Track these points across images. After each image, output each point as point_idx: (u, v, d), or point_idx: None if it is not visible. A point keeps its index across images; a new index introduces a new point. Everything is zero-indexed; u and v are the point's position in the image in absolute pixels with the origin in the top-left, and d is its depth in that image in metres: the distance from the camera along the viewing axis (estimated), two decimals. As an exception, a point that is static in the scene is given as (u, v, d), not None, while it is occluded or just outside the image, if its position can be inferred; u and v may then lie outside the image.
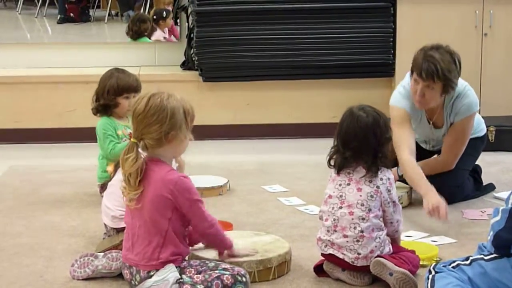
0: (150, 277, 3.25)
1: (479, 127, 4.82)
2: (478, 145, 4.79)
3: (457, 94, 4.51)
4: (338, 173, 3.49)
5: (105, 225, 3.89)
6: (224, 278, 3.25)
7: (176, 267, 3.27)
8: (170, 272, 3.23)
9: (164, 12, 7.19)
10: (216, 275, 3.26)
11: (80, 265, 3.52)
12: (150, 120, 3.24)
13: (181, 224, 3.33)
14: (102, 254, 3.54)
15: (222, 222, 3.92)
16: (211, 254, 3.50)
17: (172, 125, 3.26)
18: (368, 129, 3.42)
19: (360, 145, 3.42)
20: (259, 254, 3.52)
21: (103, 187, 4.40)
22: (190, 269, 3.31)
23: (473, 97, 4.56)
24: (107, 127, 4.60)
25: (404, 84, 4.59)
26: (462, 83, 4.55)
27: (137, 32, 7.19)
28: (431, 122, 4.65)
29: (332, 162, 3.50)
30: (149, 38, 7.14)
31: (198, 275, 3.27)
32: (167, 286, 3.19)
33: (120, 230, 3.76)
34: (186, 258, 3.40)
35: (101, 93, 4.62)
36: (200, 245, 3.54)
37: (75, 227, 4.26)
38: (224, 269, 3.30)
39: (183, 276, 3.26)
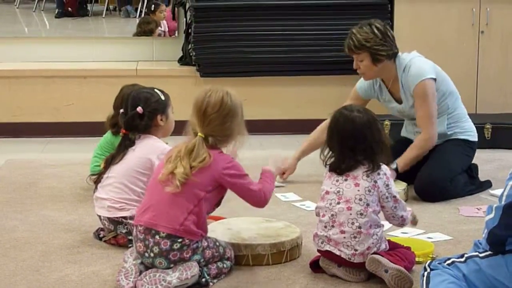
0: (173, 249, 3.25)
1: (470, 130, 4.85)
2: (466, 149, 4.82)
3: (403, 68, 4.65)
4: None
5: (100, 219, 3.89)
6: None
7: (196, 242, 3.31)
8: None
9: (153, 5, 7.20)
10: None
11: (149, 281, 3.24)
12: (224, 119, 3.37)
13: (212, 204, 3.41)
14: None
15: (216, 218, 3.92)
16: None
17: (240, 122, 3.42)
18: (368, 126, 3.41)
19: (368, 145, 3.40)
20: (272, 238, 3.61)
21: (96, 179, 4.26)
22: (208, 251, 3.37)
23: (419, 65, 4.65)
24: None
25: None
26: (408, 56, 4.68)
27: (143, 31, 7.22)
28: (393, 97, 4.80)
29: (333, 166, 3.48)
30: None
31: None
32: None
33: (115, 220, 3.78)
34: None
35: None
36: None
37: (71, 222, 4.26)
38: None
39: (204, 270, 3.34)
